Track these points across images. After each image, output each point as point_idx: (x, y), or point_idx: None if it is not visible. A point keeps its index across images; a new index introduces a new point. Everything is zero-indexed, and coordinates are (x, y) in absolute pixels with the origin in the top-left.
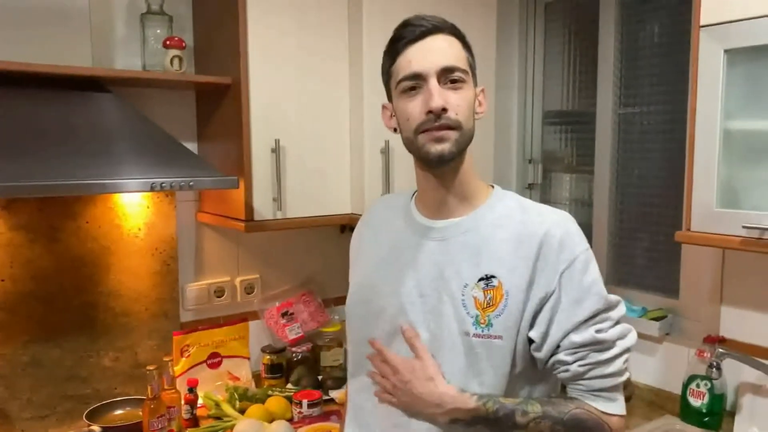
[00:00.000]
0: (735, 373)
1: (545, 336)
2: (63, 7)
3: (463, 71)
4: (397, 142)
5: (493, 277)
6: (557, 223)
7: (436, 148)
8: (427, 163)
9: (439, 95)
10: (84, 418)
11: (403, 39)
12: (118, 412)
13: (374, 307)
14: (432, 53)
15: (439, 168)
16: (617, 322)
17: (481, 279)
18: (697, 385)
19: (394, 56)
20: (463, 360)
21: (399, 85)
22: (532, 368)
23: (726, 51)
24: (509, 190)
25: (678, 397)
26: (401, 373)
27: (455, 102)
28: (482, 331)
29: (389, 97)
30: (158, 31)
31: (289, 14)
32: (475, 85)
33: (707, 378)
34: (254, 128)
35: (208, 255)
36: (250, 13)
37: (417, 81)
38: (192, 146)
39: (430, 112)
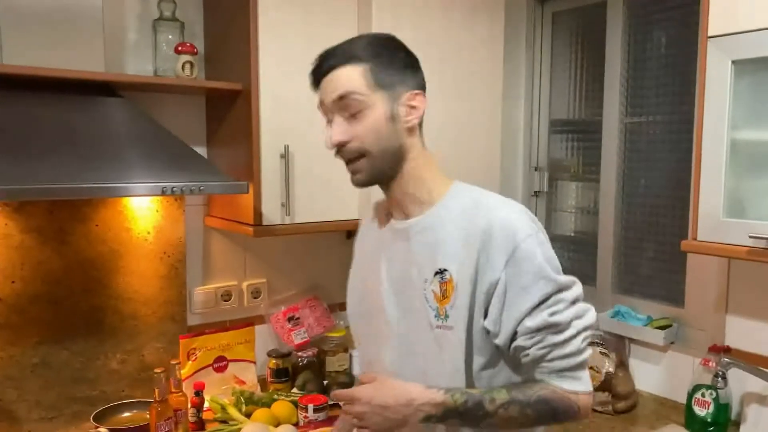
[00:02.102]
0: (740, 382)
1: (498, 324)
2: (76, 13)
3: (359, 95)
4: None
5: (445, 270)
6: (501, 214)
7: (354, 180)
8: None
9: (336, 132)
10: (91, 420)
11: (313, 76)
12: (126, 414)
13: (365, 305)
14: (329, 88)
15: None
16: (573, 302)
17: (436, 273)
18: (702, 395)
19: (315, 87)
20: (434, 350)
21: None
22: (492, 356)
23: (733, 62)
24: (469, 186)
25: (683, 407)
26: (362, 398)
27: (356, 132)
28: (441, 322)
29: None
30: (170, 36)
31: (299, 22)
32: (406, 90)
33: (712, 387)
34: (264, 134)
35: (215, 259)
36: (261, 20)
37: (326, 113)
38: (201, 151)
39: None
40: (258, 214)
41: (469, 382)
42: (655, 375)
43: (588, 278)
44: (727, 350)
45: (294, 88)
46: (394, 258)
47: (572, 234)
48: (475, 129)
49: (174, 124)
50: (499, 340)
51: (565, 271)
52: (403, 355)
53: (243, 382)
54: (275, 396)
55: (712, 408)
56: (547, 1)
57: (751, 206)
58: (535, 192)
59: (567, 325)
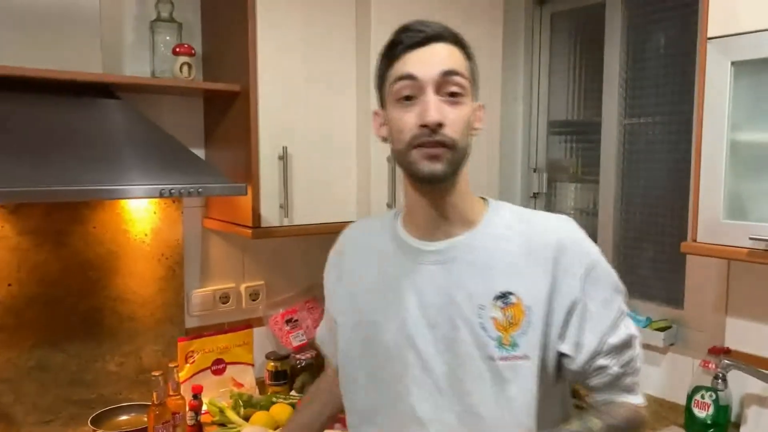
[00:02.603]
0: (740, 384)
1: (579, 346)
2: (73, 14)
3: (464, 77)
4: None
5: (510, 293)
6: (565, 228)
7: (429, 167)
8: (418, 181)
9: (436, 109)
10: (89, 424)
11: (402, 44)
12: (123, 417)
13: (377, 345)
14: (432, 59)
15: (432, 186)
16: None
17: (497, 298)
18: (702, 396)
19: (390, 61)
20: (490, 388)
21: (393, 88)
22: (553, 384)
23: (733, 63)
24: (501, 201)
25: (683, 408)
26: None
27: (452, 118)
28: (507, 353)
29: (382, 105)
30: (167, 38)
31: (297, 22)
32: (475, 99)
33: (712, 389)
34: (262, 135)
35: (213, 261)
36: (260, 21)
37: (413, 89)
38: (199, 152)
39: (425, 126)
40: (256, 215)
41: (541, 419)
42: (654, 376)
43: None
44: (727, 352)
45: (292, 89)
46: (425, 284)
47: None
48: None
49: (172, 125)
50: (577, 364)
51: None
52: (445, 397)
53: (241, 385)
54: (273, 399)
55: (711, 410)
56: (545, 2)
57: (751, 208)
58: (534, 193)
59: (635, 337)
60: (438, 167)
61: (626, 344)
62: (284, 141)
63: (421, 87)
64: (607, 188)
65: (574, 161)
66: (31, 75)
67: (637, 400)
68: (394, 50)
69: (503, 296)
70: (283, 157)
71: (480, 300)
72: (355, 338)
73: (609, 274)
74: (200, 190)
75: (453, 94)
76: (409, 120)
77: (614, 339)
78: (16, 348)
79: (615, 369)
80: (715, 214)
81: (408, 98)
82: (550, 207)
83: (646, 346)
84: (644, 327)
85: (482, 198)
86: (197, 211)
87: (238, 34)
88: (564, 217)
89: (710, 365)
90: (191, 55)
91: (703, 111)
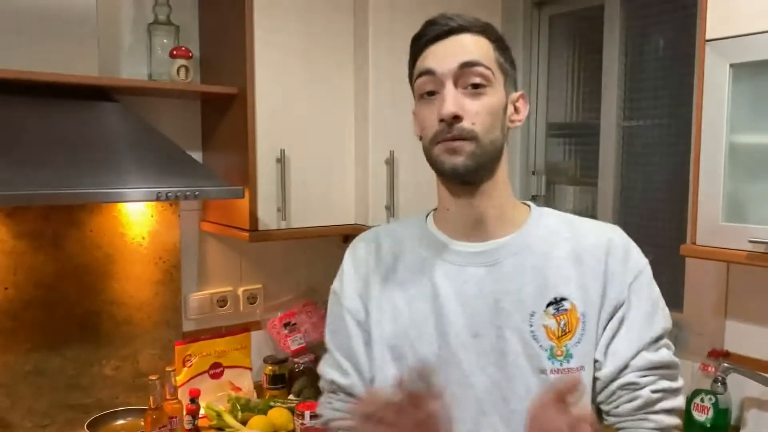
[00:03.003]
0: (739, 387)
1: (607, 353)
2: (70, 17)
3: (487, 68)
4: (401, 153)
5: (563, 299)
6: (615, 231)
7: (450, 161)
8: (444, 177)
9: (453, 101)
10: (85, 428)
11: (424, 37)
12: (120, 422)
13: (414, 361)
14: (451, 52)
15: (453, 183)
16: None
17: (549, 304)
18: (702, 400)
19: (414, 57)
20: None
21: (417, 84)
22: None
23: (732, 65)
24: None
25: (682, 412)
26: None
27: (472, 109)
28: (561, 365)
29: None
30: (165, 40)
31: (295, 25)
32: (514, 90)
33: (712, 392)
34: (259, 138)
35: (211, 264)
36: (257, 23)
37: (434, 84)
38: (197, 155)
39: (442, 120)
40: (254, 218)
41: None
42: None
43: None
44: (727, 355)
45: (290, 91)
46: (467, 289)
47: None
48: None
49: (169, 128)
50: (605, 372)
51: None
52: (488, 418)
53: (239, 389)
54: (271, 403)
55: (711, 413)
56: (544, 5)
57: (750, 210)
58: (533, 196)
59: (678, 371)
60: (459, 160)
61: (666, 367)
62: (282, 144)
63: (441, 81)
64: (606, 191)
65: (572, 164)
66: (28, 78)
67: None
68: (417, 45)
69: (557, 302)
70: (281, 160)
71: (531, 306)
72: (388, 355)
73: (654, 287)
74: (197, 193)
75: (475, 86)
76: (431, 116)
77: (653, 356)
78: (12, 352)
79: (646, 392)
80: (714, 216)
81: (431, 93)
82: None
83: None
84: None
85: (524, 203)
86: (194, 215)
87: (235, 36)
88: (611, 224)
89: (710, 368)
90: (188, 57)
91: (701, 113)
